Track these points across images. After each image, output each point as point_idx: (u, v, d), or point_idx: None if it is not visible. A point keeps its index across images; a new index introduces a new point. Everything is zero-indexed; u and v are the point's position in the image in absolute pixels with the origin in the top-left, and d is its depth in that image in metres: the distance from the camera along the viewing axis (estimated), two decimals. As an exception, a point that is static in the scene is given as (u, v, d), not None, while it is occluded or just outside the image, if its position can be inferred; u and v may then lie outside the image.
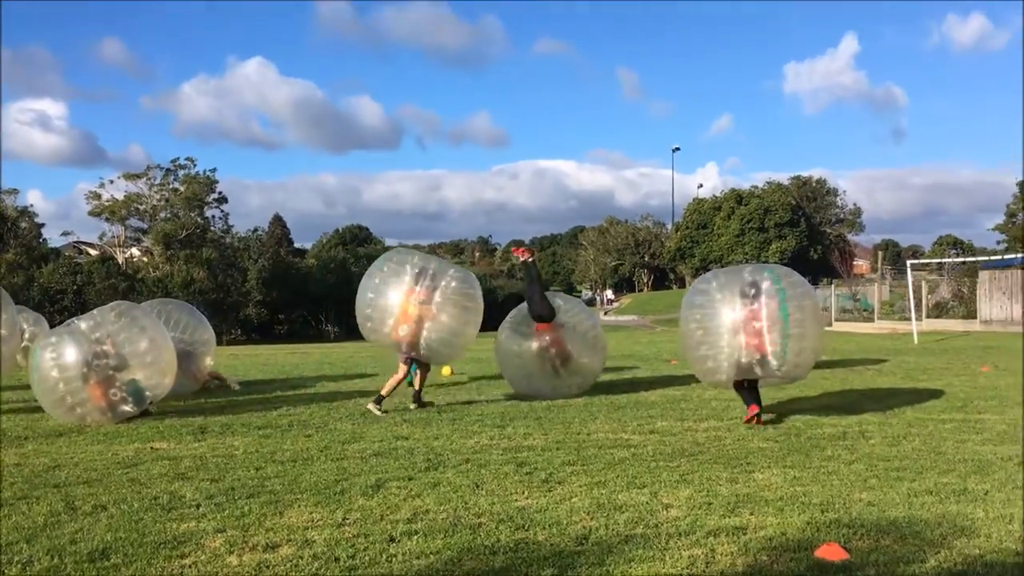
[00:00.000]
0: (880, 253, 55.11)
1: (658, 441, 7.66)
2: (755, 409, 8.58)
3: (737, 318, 8.34)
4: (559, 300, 11.87)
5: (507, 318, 11.95)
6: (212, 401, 11.30)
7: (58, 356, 9.01)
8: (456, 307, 10.00)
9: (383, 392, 10.10)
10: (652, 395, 11.36)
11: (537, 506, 5.28)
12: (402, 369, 10.16)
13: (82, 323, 9.36)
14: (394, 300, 9.89)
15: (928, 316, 32.47)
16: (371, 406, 9.86)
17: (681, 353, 9.83)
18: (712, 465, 6.48)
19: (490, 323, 14.20)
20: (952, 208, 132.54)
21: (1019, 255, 37.00)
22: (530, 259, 11.61)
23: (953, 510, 5.07)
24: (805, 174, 76.12)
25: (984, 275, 30.44)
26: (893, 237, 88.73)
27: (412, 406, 10.20)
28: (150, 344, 9.41)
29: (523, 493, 5.65)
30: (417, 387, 10.43)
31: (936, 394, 10.85)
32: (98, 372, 9.02)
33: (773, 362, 8.32)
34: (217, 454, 7.26)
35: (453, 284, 10.02)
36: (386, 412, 9.75)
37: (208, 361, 12.38)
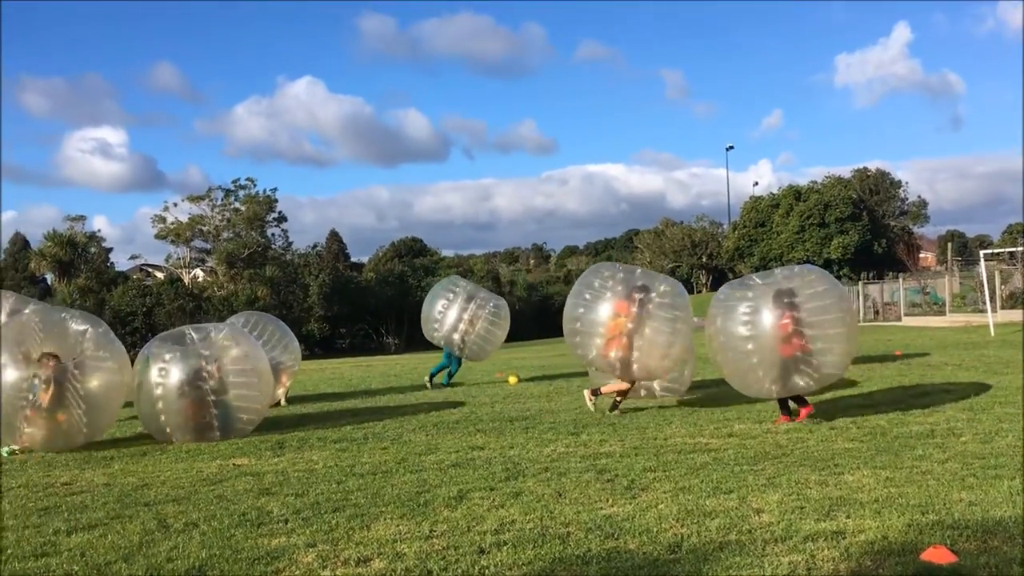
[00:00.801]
0: (949, 244, 53.60)
1: (738, 444, 7.52)
2: (809, 409, 8.78)
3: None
4: None
5: None
6: (285, 416, 11.42)
7: (166, 374, 9.17)
8: (665, 321, 9.57)
9: (603, 389, 10.17)
10: (724, 397, 11.17)
11: (624, 514, 5.20)
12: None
13: (196, 334, 9.56)
14: (603, 315, 9.61)
15: (1003, 307, 31.49)
16: (587, 393, 10.23)
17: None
18: (798, 468, 6.33)
19: (552, 329, 14.30)
20: (1015, 196, 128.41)
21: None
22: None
23: (1061, 508, 4.86)
24: (865, 166, 74.66)
25: (1061, 263, 29.42)
26: (958, 228, 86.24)
27: (613, 413, 9.92)
28: (253, 370, 9.56)
29: (607, 501, 5.57)
30: (617, 397, 10.10)
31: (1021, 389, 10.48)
32: (196, 392, 9.18)
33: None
34: (298, 469, 7.32)
35: (664, 298, 9.61)
36: (606, 413, 9.93)
37: (286, 379, 12.58)
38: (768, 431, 8.19)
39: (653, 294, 9.57)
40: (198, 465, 7.75)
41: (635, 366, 9.55)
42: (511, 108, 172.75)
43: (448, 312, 14.64)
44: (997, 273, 33.56)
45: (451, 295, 14.83)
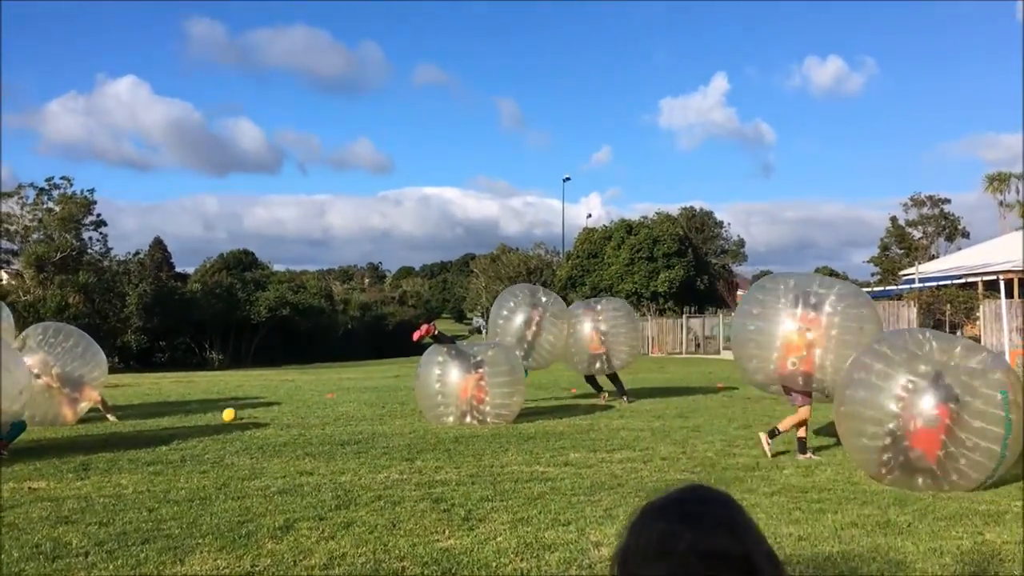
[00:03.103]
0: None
1: (574, 474, 7.47)
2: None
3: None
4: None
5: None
6: (93, 434, 10.53)
7: None
8: (849, 330, 8.47)
9: (780, 427, 8.67)
10: (559, 424, 11.20)
11: (461, 547, 4.99)
12: (804, 409, 8.55)
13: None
14: (782, 329, 8.66)
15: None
16: (763, 437, 8.56)
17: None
18: (634, 499, 6.32)
19: (386, 352, 13.98)
20: (821, 241, 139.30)
21: (893, 287, 38.81)
22: (434, 331, 12.36)
23: (883, 543, 5.03)
24: (692, 205, 78.43)
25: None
26: (770, 268, 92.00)
27: (801, 456, 8.35)
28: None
29: (444, 532, 5.34)
30: (800, 432, 8.57)
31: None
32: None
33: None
34: (104, 494, 6.67)
35: (841, 303, 8.56)
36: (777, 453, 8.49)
37: (92, 393, 11.69)
38: (603, 460, 8.20)
39: (828, 300, 8.61)
40: (-14, 489, 6.94)
41: (819, 376, 8.46)
42: (347, 125, 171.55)
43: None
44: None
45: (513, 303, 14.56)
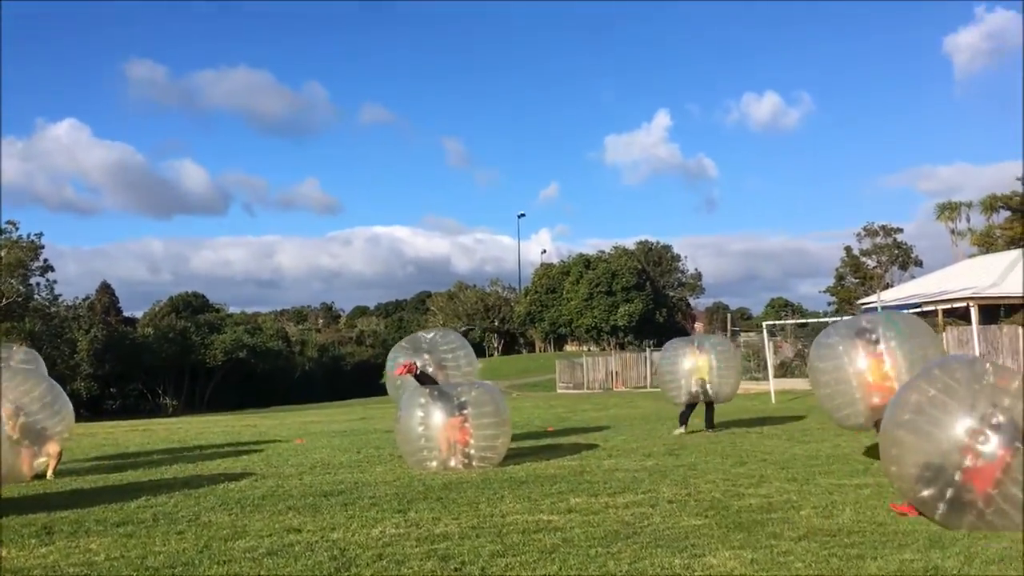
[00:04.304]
0: (728, 315, 57.12)
1: (583, 522, 7.02)
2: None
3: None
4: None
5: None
6: (52, 491, 9.80)
7: None
8: (911, 357, 9.21)
9: None
10: (549, 466, 10.74)
11: (486, 613, 4.51)
12: None
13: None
14: (858, 368, 9.41)
15: (775, 376, 33.52)
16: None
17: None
18: (655, 549, 5.89)
19: (345, 393, 13.48)
20: (766, 273, 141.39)
21: (850, 316, 39.11)
22: (416, 370, 12.23)
23: (943, 593, 4.66)
24: (647, 239, 78.93)
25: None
26: (722, 299, 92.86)
27: None
28: None
29: (462, 596, 4.86)
30: None
31: (833, 457, 10.74)
32: None
33: None
34: (73, 562, 6.05)
35: (900, 333, 9.38)
36: None
37: (53, 448, 10.98)
38: (607, 506, 7.76)
39: (878, 333, 9.49)
40: (-60, 560, 6.27)
41: None
42: (294, 165, 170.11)
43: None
44: (770, 343, 35.80)
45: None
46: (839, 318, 39.67)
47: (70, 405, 11.43)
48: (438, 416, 10.78)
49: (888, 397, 8.39)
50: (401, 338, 14.87)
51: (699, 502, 7.83)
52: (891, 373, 9.20)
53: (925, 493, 6.37)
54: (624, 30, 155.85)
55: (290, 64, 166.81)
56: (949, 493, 6.25)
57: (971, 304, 25.38)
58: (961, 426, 6.27)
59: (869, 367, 9.41)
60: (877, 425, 8.37)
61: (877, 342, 9.43)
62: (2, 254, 49.55)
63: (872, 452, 9.88)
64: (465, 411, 10.83)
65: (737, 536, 6.28)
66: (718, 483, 8.88)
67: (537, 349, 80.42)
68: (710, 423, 15.28)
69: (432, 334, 14.49)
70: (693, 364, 15.06)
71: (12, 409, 10.57)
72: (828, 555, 5.61)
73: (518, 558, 5.75)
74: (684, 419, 15.10)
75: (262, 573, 5.56)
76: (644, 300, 68.08)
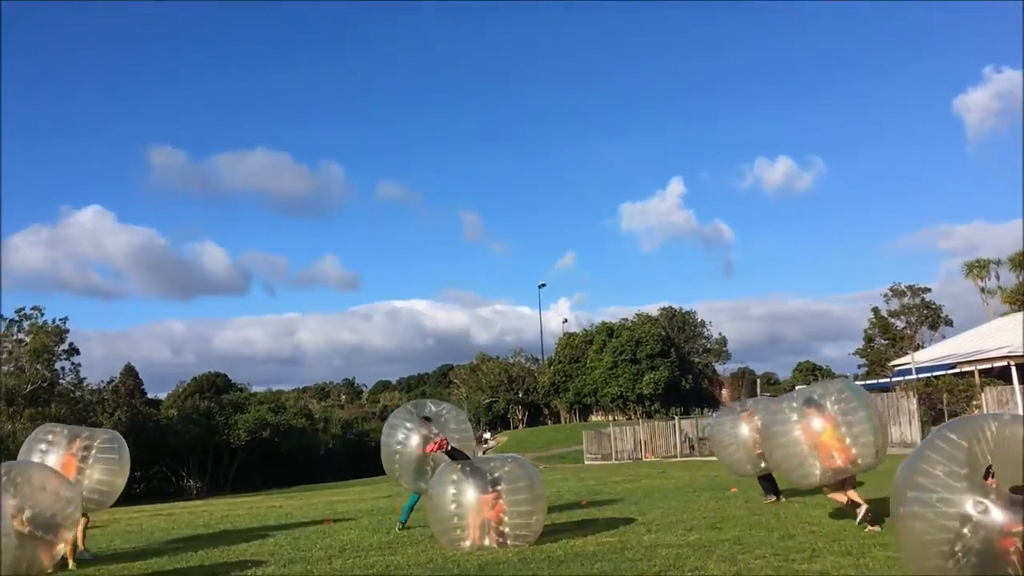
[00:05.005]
0: (756, 381, 56.32)
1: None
2: None
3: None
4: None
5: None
6: (76, 583, 9.49)
7: None
8: (855, 417, 10.34)
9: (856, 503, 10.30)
10: (586, 544, 10.32)
11: None
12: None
13: None
14: (812, 433, 10.35)
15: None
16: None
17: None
18: (713, 633, 5.50)
19: (370, 469, 13.15)
20: (789, 336, 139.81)
21: (884, 379, 38.40)
22: (447, 446, 12.01)
23: None
24: (672, 305, 78.57)
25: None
26: (748, 365, 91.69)
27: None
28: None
29: None
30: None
31: (885, 528, 10.25)
32: None
33: None
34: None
35: (841, 395, 10.48)
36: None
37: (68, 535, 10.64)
38: (654, 585, 7.36)
39: (828, 399, 10.43)
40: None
41: (857, 462, 10.24)
42: (313, 243, 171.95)
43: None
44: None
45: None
46: (872, 381, 39.03)
47: (79, 488, 11.11)
48: (471, 493, 10.44)
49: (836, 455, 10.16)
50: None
51: (755, 580, 7.41)
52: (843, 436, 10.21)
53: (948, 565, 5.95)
54: (634, 98, 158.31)
55: (306, 144, 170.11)
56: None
57: (1012, 363, 24.75)
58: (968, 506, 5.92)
59: (819, 432, 10.31)
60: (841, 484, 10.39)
61: (822, 404, 10.41)
62: (28, 340, 49.88)
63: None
64: (499, 487, 10.48)
65: (799, 617, 5.88)
66: (768, 559, 8.46)
67: (562, 420, 79.48)
68: (776, 492, 14.60)
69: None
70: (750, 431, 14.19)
71: (15, 504, 10.28)
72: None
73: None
74: (770, 488, 14.59)
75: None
76: (669, 367, 67.36)
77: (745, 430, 14.29)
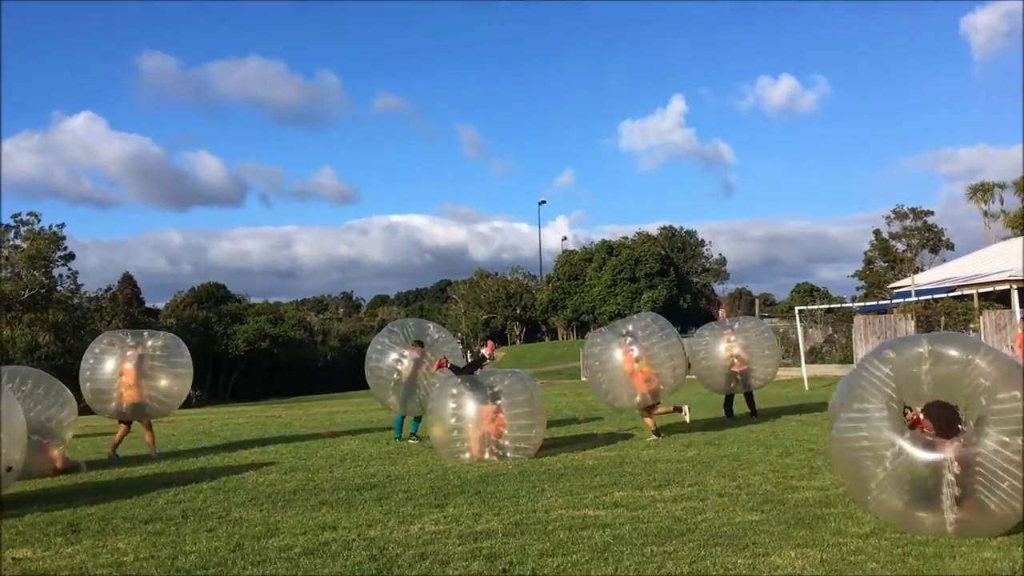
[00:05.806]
0: (757, 301, 56.41)
1: (632, 518, 6.66)
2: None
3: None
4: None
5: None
6: (78, 485, 9.56)
7: None
8: (659, 346, 12.23)
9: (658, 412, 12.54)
10: (586, 458, 10.39)
11: (543, 621, 4.16)
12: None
13: None
14: (616, 364, 12.21)
15: (806, 362, 33.01)
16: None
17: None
18: (714, 548, 5.53)
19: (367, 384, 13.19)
20: (786, 258, 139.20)
21: (885, 301, 38.44)
22: (447, 364, 11.89)
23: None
24: (672, 224, 78.22)
25: (859, 320, 31.22)
26: (745, 286, 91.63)
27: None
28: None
29: (514, 601, 4.52)
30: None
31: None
32: None
33: None
34: (101, 563, 5.76)
35: (647, 330, 12.35)
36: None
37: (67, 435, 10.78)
38: (654, 500, 7.40)
39: (637, 333, 12.18)
40: (-38, 561, 6.01)
41: (660, 387, 12.11)
42: (309, 155, 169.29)
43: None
44: (801, 330, 35.26)
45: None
46: (869, 303, 39.04)
47: (68, 391, 11.12)
48: (471, 406, 10.46)
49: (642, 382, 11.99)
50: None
51: (751, 496, 7.45)
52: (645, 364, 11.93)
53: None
54: (635, 14, 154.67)
55: (302, 53, 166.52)
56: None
57: (1013, 287, 24.71)
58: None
59: (621, 364, 12.07)
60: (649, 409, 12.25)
61: (631, 339, 12.10)
62: (24, 245, 49.65)
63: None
64: (499, 401, 10.50)
65: (799, 533, 5.91)
66: (767, 475, 8.50)
67: (560, 336, 79.94)
68: (752, 409, 15.20)
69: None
70: (725, 349, 14.90)
71: None
72: (903, 554, 5.23)
73: (569, 558, 5.41)
74: (729, 412, 15.01)
75: (299, 574, 5.24)
76: (668, 286, 67.38)
77: (722, 348, 14.87)
